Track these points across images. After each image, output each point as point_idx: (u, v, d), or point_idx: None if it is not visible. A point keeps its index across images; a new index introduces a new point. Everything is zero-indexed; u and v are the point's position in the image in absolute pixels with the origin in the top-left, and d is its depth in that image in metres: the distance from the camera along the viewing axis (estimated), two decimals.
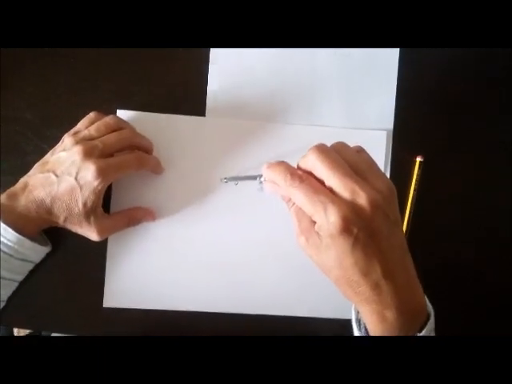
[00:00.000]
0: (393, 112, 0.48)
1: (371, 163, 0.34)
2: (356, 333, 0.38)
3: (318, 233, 0.33)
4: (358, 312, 0.38)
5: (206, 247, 0.46)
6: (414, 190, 0.47)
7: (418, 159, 0.47)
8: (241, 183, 0.46)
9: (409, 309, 0.33)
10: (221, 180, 0.46)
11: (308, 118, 0.48)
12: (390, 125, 0.48)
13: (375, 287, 0.32)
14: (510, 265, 0.49)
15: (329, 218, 0.31)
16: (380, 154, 0.47)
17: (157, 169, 0.45)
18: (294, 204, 0.35)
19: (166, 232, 0.46)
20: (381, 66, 0.48)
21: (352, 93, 0.48)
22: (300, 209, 0.34)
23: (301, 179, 0.33)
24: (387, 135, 0.48)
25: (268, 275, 0.47)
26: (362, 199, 0.31)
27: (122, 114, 0.46)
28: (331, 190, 0.32)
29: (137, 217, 0.45)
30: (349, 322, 0.46)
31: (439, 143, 0.49)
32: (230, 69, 0.48)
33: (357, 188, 0.31)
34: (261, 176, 0.37)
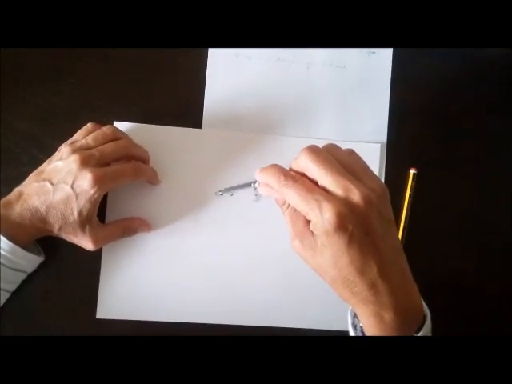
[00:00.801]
0: (386, 125, 0.49)
1: (363, 164, 0.35)
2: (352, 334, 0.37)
3: (312, 234, 0.33)
4: (353, 316, 0.38)
5: (202, 259, 0.46)
6: (409, 202, 0.48)
7: (412, 171, 0.48)
8: (236, 194, 0.46)
9: (406, 310, 0.33)
10: (216, 193, 0.46)
11: (303, 131, 0.48)
12: (384, 137, 0.49)
13: (371, 287, 0.32)
14: (507, 273, 0.49)
15: (323, 215, 0.31)
16: (374, 166, 0.48)
17: (153, 179, 0.45)
18: (288, 207, 0.35)
19: (162, 243, 0.46)
20: (374, 78, 0.49)
21: (346, 105, 0.49)
22: (294, 211, 0.34)
23: (294, 179, 0.33)
24: (381, 147, 0.48)
25: (265, 286, 0.46)
26: (356, 196, 0.31)
27: (119, 125, 0.46)
28: (325, 189, 0.32)
29: (132, 227, 0.45)
30: (346, 333, 0.46)
31: (433, 155, 0.49)
32: (227, 81, 0.48)
33: (350, 185, 0.31)
34: (255, 182, 0.37)
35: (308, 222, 0.33)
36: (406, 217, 0.47)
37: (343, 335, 0.44)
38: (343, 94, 0.49)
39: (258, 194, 0.39)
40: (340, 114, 0.49)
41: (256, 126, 0.48)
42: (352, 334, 0.37)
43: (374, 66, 0.49)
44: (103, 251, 0.45)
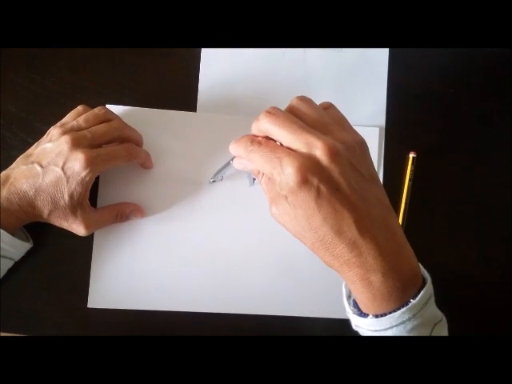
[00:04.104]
0: (384, 108, 0.48)
1: (338, 118, 0.33)
2: (347, 309, 0.36)
3: (286, 198, 0.31)
4: (349, 290, 0.36)
5: (196, 245, 0.45)
6: (409, 187, 0.47)
7: (411, 155, 0.47)
8: (231, 179, 0.45)
9: (397, 272, 0.30)
10: (209, 182, 0.45)
11: None
12: (383, 121, 0.48)
13: (353, 247, 0.30)
14: (506, 259, 0.48)
15: (284, 171, 0.29)
16: (373, 150, 0.47)
17: (147, 162, 0.44)
18: (263, 175, 0.33)
19: (155, 229, 0.44)
20: (371, 62, 0.49)
21: (344, 89, 0.48)
22: (269, 179, 0.33)
23: (259, 143, 0.32)
24: (380, 131, 0.48)
25: (262, 274, 0.45)
26: (319, 149, 0.29)
27: (112, 108, 0.44)
28: (289, 149, 0.31)
29: (125, 212, 0.43)
30: (344, 321, 0.45)
31: (431, 138, 0.49)
32: (222, 65, 0.47)
33: (311, 139, 0.29)
34: (232, 159, 0.36)
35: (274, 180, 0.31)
36: (406, 201, 0.47)
37: (344, 335, 0.43)
38: (340, 78, 0.49)
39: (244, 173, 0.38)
40: (337, 97, 0.48)
41: (251, 110, 0.47)
42: (346, 306, 0.36)
43: (372, 50, 0.49)
44: (94, 238, 0.44)
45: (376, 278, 0.30)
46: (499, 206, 0.49)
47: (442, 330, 0.34)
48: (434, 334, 0.33)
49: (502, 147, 0.50)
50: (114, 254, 0.44)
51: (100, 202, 0.44)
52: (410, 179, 0.47)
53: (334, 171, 0.29)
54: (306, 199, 0.29)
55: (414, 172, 0.47)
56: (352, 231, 0.30)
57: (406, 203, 0.47)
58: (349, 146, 0.31)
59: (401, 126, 0.48)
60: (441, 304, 0.36)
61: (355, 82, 0.49)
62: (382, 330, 0.32)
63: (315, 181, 0.29)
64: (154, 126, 0.45)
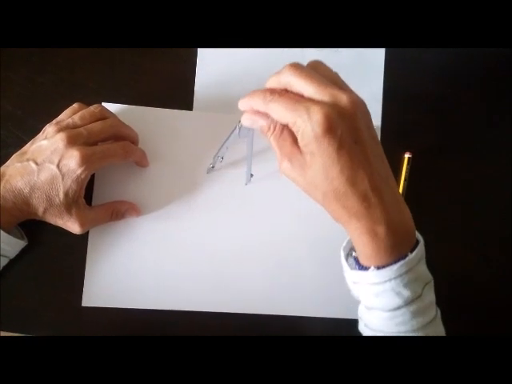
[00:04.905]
0: (380, 108, 0.48)
1: (346, 84, 0.35)
2: (346, 268, 0.36)
3: (300, 152, 0.32)
4: (347, 254, 0.37)
5: (192, 244, 0.44)
6: (404, 187, 0.46)
7: (407, 155, 0.47)
8: (227, 177, 0.45)
9: (398, 228, 0.33)
10: (208, 171, 0.45)
11: None
12: (378, 121, 0.48)
13: (364, 199, 0.31)
14: (506, 259, 0.48)
15: (312, 118, 0.30)
16: None
17: (142, 161, 0.44)
18: (273, 131, 0.34)
19: (151, 228, 0.44)
20: (368, 62, 0.49)
21: None
22: (280, 134, 0.33)
23: (280, 93, 0.32)
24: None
25: (258, 272, 0.45)
26: (344, 100, 0.31)
27: (108, 106, 0.45)
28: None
29: (121, 210, 0.43)
30: (341, 321, 0.44)
31: (431, 138, 0.48)
32: (219, 64, 0.47)
33: (336, 91, 0.31)
34: (238, 123, 0.36)
35: (295, 141, 0.32)
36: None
37: (344, 334, 0.42)
38: None
39: (243, 130, 0.38)
40: None
41: None
42: (345, 265, 0.36)
43: (368, 49, 0.49)
44: (89, 236, 0.44)
45: (382, 230, 0.32)
46: (499, 206, 0.49)
47: (431, 291, 0.35)
48: (424, 293, 0.34)
49: (502, 147, 0.50)
50: (109, 253, 0.44)
51: (95, 200, 0.44)
52: (405, 179, 0.46)
53: (357, 124, 0.31)
54: (328, 148, 0.30)
55: (409, 172, 0.47)
56: (365, 184, 0.31)
57: None
58: (365, 106, 0.33)
59: (397, 125, 0.48)
60: (441, 304, 0.36)
61: (352, 81, 0.48)
62: (380, 282, 0.33)
63: (339, 131, 0.30)
64: (150, 125, 0.45)
